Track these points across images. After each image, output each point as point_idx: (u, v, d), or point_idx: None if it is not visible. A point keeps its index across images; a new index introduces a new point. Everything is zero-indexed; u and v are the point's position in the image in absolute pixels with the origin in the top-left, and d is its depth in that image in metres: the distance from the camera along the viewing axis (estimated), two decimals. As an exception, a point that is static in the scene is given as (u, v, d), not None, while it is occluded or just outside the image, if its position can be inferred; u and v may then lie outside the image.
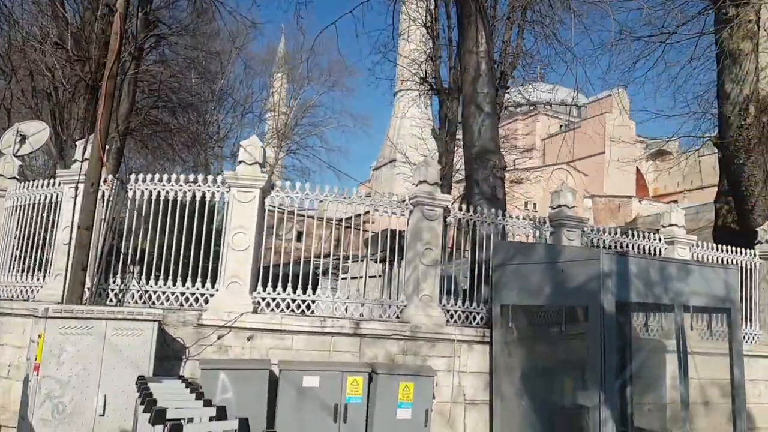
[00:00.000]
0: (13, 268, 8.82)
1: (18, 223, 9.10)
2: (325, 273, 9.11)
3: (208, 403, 4.65)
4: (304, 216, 10.25)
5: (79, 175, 7.90)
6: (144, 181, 8.14)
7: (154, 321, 6.51)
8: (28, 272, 8.61)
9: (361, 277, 9.58)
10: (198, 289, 7.75)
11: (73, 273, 7.31)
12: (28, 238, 8.84)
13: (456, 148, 22.51)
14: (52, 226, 8.57)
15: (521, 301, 7.56)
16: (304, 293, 7.79)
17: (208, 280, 7.84)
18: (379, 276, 9.78)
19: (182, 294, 7.76)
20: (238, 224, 7.77)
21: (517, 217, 9.32)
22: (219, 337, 7.37)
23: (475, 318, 8.55)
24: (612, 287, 6.45)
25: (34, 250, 8.68)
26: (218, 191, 8.05)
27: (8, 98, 17.89)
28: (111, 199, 8.13)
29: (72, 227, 7.78)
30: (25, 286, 8.48)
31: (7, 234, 9.26)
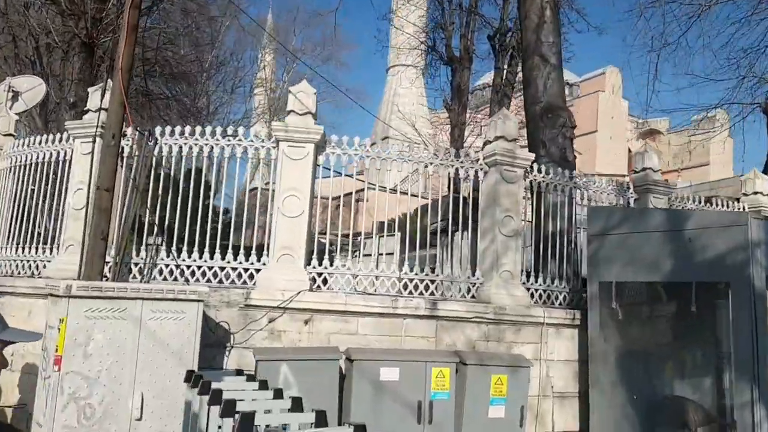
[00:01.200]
0: (12, 239, 7.46)
1: (17, 186, 7.71)
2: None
3: (278, 394, 3.81)
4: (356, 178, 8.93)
5: (98, 125, 6.52)
6: (172, 134, 6.78)
7: (199, 301, 5.23)
8: (31, 244, 7.26)
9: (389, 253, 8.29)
10: (241, 263, 6.45)
11: (91, 243, 5.99)
12: (30, 204, 7.48)
13: (468, 121, 21.29)
14: (60, 189, 7.21)
15: (629, 278, 6.35)
16: (366, 268, 6.54)
17: (253, 252, 6.55)
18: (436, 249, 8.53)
19: (222, 269, 6.46)
20: (289, 186, 6.47)
21: (600, 182, 8.09)
22: (270, 321, 6.11)
23: (557, 297, 7.37)
24: (763, 259, 5.26)
25: (37, 218, 7.33)
26: (263, 147, 6.72)
27: None
28: (134, 156, 6.77)
29: (89, 188, 6.44)
30: (28, 261, 7.14)
31: (3, 200, 7.87)
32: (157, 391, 4.92)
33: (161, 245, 6.62)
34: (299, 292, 6.08)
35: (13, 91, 9.03)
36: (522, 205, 7.14)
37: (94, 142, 6.52)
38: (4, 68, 16.52)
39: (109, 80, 6.72)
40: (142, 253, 6.56)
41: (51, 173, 7.36)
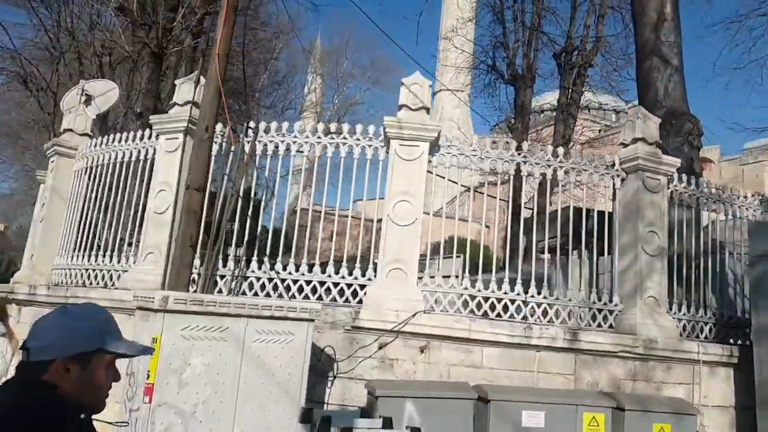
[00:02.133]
0: (85, 246, 6.81)
1: (92, 189, 7.09)
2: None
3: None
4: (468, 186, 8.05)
5: (189, 118, 5.82)
6: (267, 131, 6.02)
7: (310, 320, 4.36)
8: (104, 251, 6.59)
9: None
10: (344, 277, 5.59)
11: (178, 251, 5.22)
12: (106, 208, 6.83)
13: (530, 140, 20.35)
14: (140, 191, 6.54)
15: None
16: (486, 289, 5.58)
17: (357, 266, 5.67)
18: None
19: (322, 284, 5.60)
20: (401, 189, 5.59)
21: (744, 197, 6.95)
22: (381, 347, 5.19)
23: (702, 330, 6.22)
24: None
25: (113, 223, 6.66)
26: (370, 146, 5.89)
27: (54, 82, 16.57)
28: (224, 154, 6.03)
29: (178, 189, 5.73)
30: (101, 270, 6.46)
31: (75, 203, 7.26)
32: (260, 430, 4.03)
33: (243, 256, 5.82)
34: (415, 314, 5.16)
35: (86, 94, 8.52)
36: (665, 219, 6.06)
37: (186, 135, 5.81)
38: (69, 85, 16.55)
39: (195, 75, 6.04)
40: (229, 264, 5.78)
41: (130, 174, 6.71)
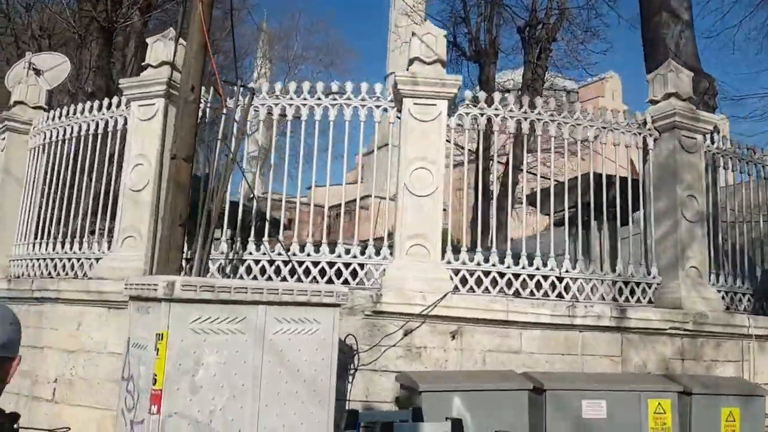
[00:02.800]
0: (48, 233, 5.90)
1: (52, 168, 6.16)
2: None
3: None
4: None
5: (170, 79, 4.99)
6: (257, 93, 5.24)
7: (335, 306, 3.66)
8: (73, 237, 5.71)
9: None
10: (355, 257, 4.89)
11: (166, 231, 4.42)
12: (71, 189, 5.93)
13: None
14: (110, 168, 5.67)
15: None
16: (517, 264, 4.97)
17: (370, 243, 4.98)
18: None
19: (331, 265, 4.89)
20: (417, 155, 4.91)
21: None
22: (406, 333, 4.52)
23: (740, 301, 5.77)
24: None
25: (80, 205, 5.77)
26: (378, 107, 5.17)
27: None
28: (211, 120, 5.23)
29: (160, 162, 4.91)
30: (69, 258, 5.58)
31: (34, 185, 6.32)
32: (286, 440, 3.33)
33: (237, 237, 5.07)
34: (445, 295, 4.50)
35: (34, 69, 7.49)
36: (703, 182, 5.55)
37: (166, 99, 4.98)
38: (5, 71, 15.25)
39: (169, 32, 5.20)
40: (222, 247, 5.01)
41: (98, 149, 5.83)
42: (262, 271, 4.96)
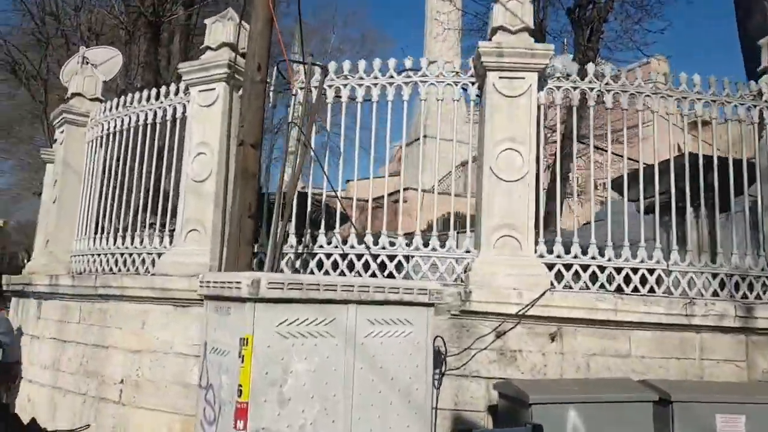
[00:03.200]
0: (108, 228, 5.67)
1: (109, 160, 5.93)
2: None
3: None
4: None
5: (229, 62, 4.63)
6: (325, 73, 4.83)
7: (429, 306, 3.22)
8: (133, 232, 5.45)
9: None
10: (435, 249, 4.45)
11: (235, 224, 4.06)
12: (129, 181, 5.68)
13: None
14: (170, 158, 5.38)
15: None
16: (619, 257, 4.41)
17: (452, 233, 4.52)
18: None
19: (408, 259, 4.47)
20: (504, 135, 4.40)
21: None
22: (499, 335, 4.04)
23: None
24: None
25: (140, 198, 5.51)
26: (456, 83, 4.69)
27: (43, 69, 15.48)
28: (293, 99, 4.86)
29: (228, 149, 4.57)
30: (131, 254, 5.31)
31: (92, 179, 6.11)
32: (380, 458, 2.92)
33: (307, 230, 4.68)
34: (545, 293, 4.00)
35: (87, 62, 7.30)
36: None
37: (227, 83, 4.63)
38: (57, 73, 15.45)
39: (227, 12, 4.84)
40: (291, 240, 4.63)
41: (156, 138, 5.55)
42: (334, 266, 4.57)
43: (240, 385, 2.48)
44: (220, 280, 2.73)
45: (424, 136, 7.54)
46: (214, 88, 4.98)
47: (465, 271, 4.37)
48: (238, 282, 2.53)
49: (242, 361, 2.48)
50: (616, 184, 6.65)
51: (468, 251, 4.46)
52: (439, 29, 22.24)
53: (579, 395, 3.32)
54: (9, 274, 7.10)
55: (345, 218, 5.07)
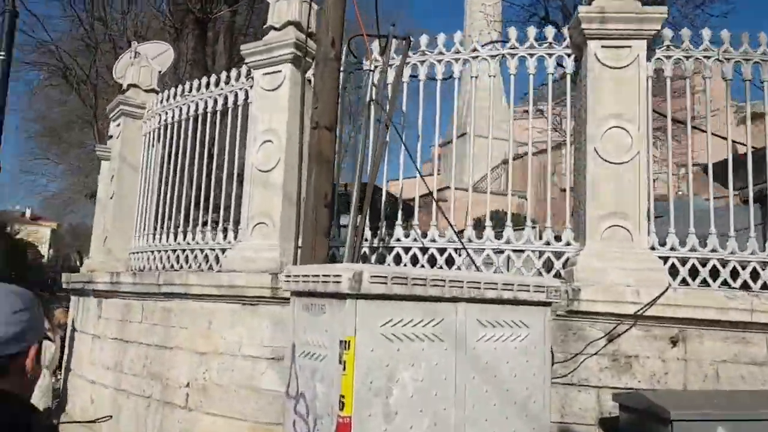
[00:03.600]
0: (168, 223, 5.39)
1: (168, 152, 5.66)
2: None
3: None
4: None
5: (296, 41, 4.25)
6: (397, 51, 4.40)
7: (546, 305, 2.73)
8: (195, 227, 5.15)
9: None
10: (528, 241, 3.95)
11: (310, 214, 3.67)
12: (189, 174, 5.38)
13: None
14: (232, 147, 5.05)
15: None
16: (744, 250, 3.82)
17: (528, 223, 4.02)
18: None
19: (499, 253, 3.99)
20: (610, 111, 3.87)
21: None
22: (611, 339, 3.52)
23: None
24: None
25: (201, 191, 5.20)
26: (549, 55, 4.19)
27: (93, 74, 15.66)
28: (369, 76, 4.45)
29: (302, 136, 4.19)
30: (193, 250, 5.01)
31: (151, 173, 5.85)
32: (496, 483, 2.45)
33: (383, 222, 4.26)
34: (665, 291, 3.45)
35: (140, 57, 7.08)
36: None
37: (294, 64, 4.25)
38: (106, 78, 15.56)
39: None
40: (366, 233, 4.21)
41: (218, 127, 5.24)
42: (413, 260, 4.13)
43: (342, 396, 2.06)
44: (312, 273, 2.32)
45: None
46: (280, 70, 4.60)
47: (564, 266, 3.87)
48: (336, 275, 2.11)
49: (344, 368, 2.06)
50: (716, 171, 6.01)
51: (569, 243, 3.95)
52: (481, 23, 21.65)
53: (727, 411, 2.77)
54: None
55: (410, 211, 4.64)
